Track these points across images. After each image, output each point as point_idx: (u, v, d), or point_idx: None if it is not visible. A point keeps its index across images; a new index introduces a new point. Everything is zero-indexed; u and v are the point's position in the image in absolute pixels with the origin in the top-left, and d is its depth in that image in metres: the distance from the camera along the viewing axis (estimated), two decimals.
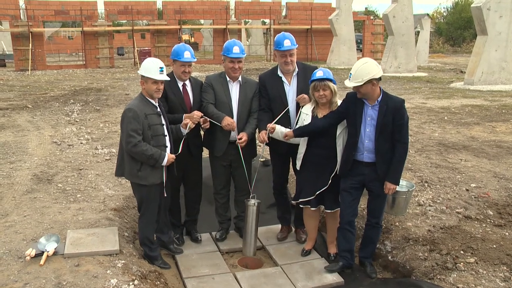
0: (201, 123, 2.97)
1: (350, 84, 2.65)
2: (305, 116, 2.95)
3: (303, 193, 3.06)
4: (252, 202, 3.07)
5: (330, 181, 2.93)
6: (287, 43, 3.00)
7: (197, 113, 2.91)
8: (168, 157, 2.70)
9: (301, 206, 3.17)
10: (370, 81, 2.60)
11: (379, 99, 2.68)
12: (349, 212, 2.86)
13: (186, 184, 3.30)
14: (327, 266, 3.02)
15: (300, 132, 2.92)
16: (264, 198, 3.91)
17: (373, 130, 2.68)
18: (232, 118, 3.08)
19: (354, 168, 2.79)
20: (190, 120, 2.88)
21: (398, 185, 2.77)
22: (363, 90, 2.64)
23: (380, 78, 2.64)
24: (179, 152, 2.77)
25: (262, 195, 3.60)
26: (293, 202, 3.34)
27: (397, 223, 3.31)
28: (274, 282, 2.90)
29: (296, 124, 3.02)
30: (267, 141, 3.02)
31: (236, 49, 3.01)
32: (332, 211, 3.05)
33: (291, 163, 3.37)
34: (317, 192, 2.99)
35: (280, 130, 2.99)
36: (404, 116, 2.64)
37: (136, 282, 2.41)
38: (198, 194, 3.37)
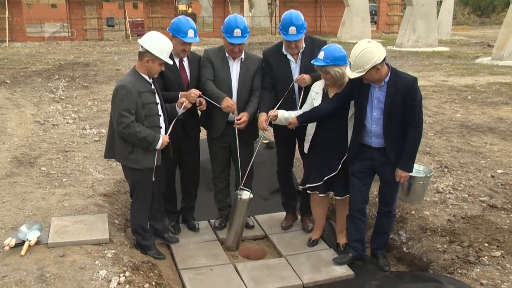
0: (197, 104, 2.93)
1: (352, 75, 2.60)
2: (315, 95, 2.92)
3: (310, 178, 3.06)
4: (243, 196, 3.02)
5: (340, 166, 2.92)
6: (292, 31, 2.88)
7: (194, 92, 2.87)
8: (163, 139, 2.68)
9: (308, 192, 3.16)
10: (373, 67, 2.54)
11: (387, 79, 2.61)
12: (359, 199, 2.85)
13: (182, 168, 3.27)
14: (336, 257, 3.03)
15: (304, 118, 2.90)
16: (268, 183, 3.96)
17: (381, 113, 2.64)
18: (231, 96, 3.04)
19: (362, 152, 2.77)
20: (186, 99, 2.84)
21: (411, 172, 2.75)
22: (368, 77, 2.60)
23: (384, 59, 2.56)
24: (168, 133, 2.75)
25: (265, 179, 3.66)
26: (299, 187, 3.35)
27: (413, 212, 3.28)
28: (277, 274, 2.91)
29: (302, 105, 2.99)
30: (267, 129, 3.01)
31: (237, 32, 2.90)
32: (342, 197, 3.05)
33: (297, 145, 3.35)
34: (326, 178, 2.98)
35: (284, 116, 2.96)
36: (416, 96, 2.57)
37: (127, 273, 2.40)
38: (195, 179, 3.35)
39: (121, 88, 2.55)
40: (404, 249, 3.10)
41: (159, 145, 2.66)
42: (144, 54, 2.60)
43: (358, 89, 2.69)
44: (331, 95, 2.87)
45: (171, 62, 2.66)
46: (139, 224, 2.93)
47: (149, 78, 2.68)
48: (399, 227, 3.19)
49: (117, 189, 3.65)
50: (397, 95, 2.57)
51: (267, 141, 3.70)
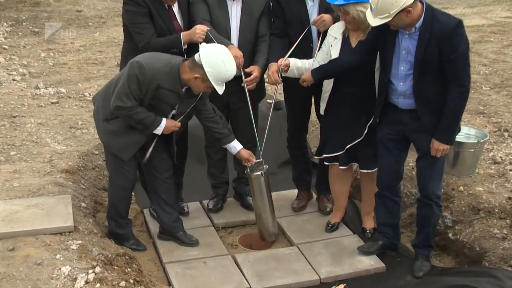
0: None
1: (374, 21, 2.51)
2: (333, 41, 2.91)
3: (329, 147, 3.08)
4: (257, 172, 3.07)
5: (366, 131, 2.93)
6: None
7: (200, 28, 2.90)
8: (168, 123, 2.78)
9: (326, 164, 3.18)
10: (402, 10, 2.44)
11: (419, 23, 2.51)
12: (389, 173, 2.85)
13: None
14: (362, 246, 3.05)
15: (321, 74, 2.91)
16: (275, 154, 3.96)
17: (410, 68, 2.60)
18: None
19: (389, 113, 2.76)
20: (193, 38, 2.89)
21: (451, 144, 2.70)
22: (395, 23, 2.51)
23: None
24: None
25: (272, 149, 3.62)
26: (315, 158, 3.39)
27: (461, 188, 3.29)
28: (288, 267, 2.91)
29: (318, 52, 3.00)
30: (280, 82, 3.05)
31: None
32: (370, 171, 3.06)
33: (312, 105, 3.34)
34: (348, 146, 2.98)
35: (296, 66, 2.99)
36: (459, 47, 2.48)
37: (97, 269, 2.40)
38: (183, 148, 3.36)
39: (141, 68, 2.63)
40: (450, 235, 3.11)
41: (160, 129, 2.76)
42: (198, 69, 2.68)
43: (383, 35, 2.64)
44: (353, 42, 2.85)
45: (220, 92, 2.74)
46: (116, 208, 2.96)
47: (185, 86, 2.76)
48: (444, 207, 3.15)
49: (84, 163, 3.64)
50: (432, 45, 2.49)
51: (275, 100, 3.64)
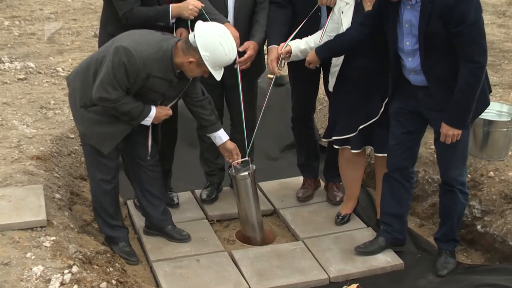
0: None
1: None
2: (345, 7, 2.90)
3: (339, 128, 3.07)
4: (243, 173, 3.08)
5: (382, 109, 2.93)
6: None
7: (194, 3, 2.88)
8: (158, 112, 2.77)
9: (336, 147, 3.17)
10: None
11: None
12: (400, 152, 2.83)
13: None
14: (358, 246, 3.00)
15: (327, 53, 2.91)
16: (277, 136, 3.97)
17: (416, 42, 2.60)
18: (227, 15, 3.06)
19: (402, 87, 2.77)
20: (183, 13, 2.89)
21: (463, 129, 2.62)
22: None
23: None
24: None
25: (273, 131, 3.71)
26: (323, 141, 3.40)
27: (491, 173, 3.26)
28: (292, 265, 2.91)
29: (328, 22, 2.99)
30: (280, 73, 3.08)
31: None
32: (386, 155, 3.00)
33: (321, 80, 3.33)
34: (361, 126, 2.98)
35: (299, 49, 2.99)
36: (467, 15, 2.43)
37: (74, 269, 2.37)
38: (172, 131, 3.38)
39: (130, 56, 2.56)
40: (479, 227, 3.10)
41: (149, 118, 2.75)
42: (192, 52, 2.62)
43: (384, 7, 2.64)
44: (367, 6, 2.83)
45: (218, 78, 2.71)
46: (100, 203, 2.95)
47: (177, 70, 2.72)
48: (471, 195, 3.14)
49: (57, 149, 3.61)
50: (435, 17, 2.47)
51: (277, 75, 3.66)
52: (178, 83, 2.77)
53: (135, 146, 2.94)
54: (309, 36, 3.00)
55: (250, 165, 3.11)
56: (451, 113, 2.56)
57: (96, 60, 2.71)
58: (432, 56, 2.55)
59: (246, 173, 3.04)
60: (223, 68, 2.72)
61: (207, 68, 2.63)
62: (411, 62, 2.63)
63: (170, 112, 2.84)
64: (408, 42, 2.60)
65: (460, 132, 2.58)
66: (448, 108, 2.56)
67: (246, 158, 3.10)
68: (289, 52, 2.98)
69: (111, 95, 2.60)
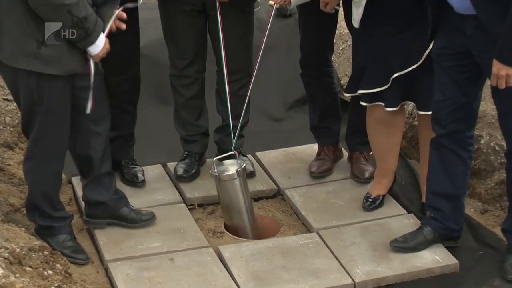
0: None
1: None
2: None
3: (367, 78, 3.00)
4: (229, 172, 3.05)
5: (428, 52, 2.83)
6: None
7: None
8: (103, 45, 2.86)
9: (363, 104, 3.07)
10: None
11: None
12: (449, 112, 2.76)
13: (108, 62, 3.20)
14: (394, 240, 2.96)
15: None
16: (281, 88, 4.05)
17: None
18: None
19: (445, 19, 2.70)
20: None
21: None
22: None
23: None
24: (106, 32, 2.91)
25: (276, 81, 3.69)
26: (345, 95, 3.39)
27: None
28: (304, 265, 2.81)
29: None
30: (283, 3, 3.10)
31: None
32: None
33: (341, 10, 3.22)
34: (397, 75, 2.91)
35: None
36: None
37: None
38: (133, 80, 3.35)
39: None
40: None
41: (98, 45, 2.83)
42: None
43: None
44: None
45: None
46: (44, 191, 2.93)
47: None
48: None
49: None
50: None
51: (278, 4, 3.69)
52: None
53: (75, 103, 2.91)
54: None
55: (238, 161, 3.06)
56: (503, 45, 2.48)
57: None
58: None
59: (233, 171, 3.00)
60: None
61: None
62: None
63: (108, 46, 2.86)
64: None
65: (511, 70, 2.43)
66: (501, 39, 2.49)
67: (233, 152, 3.09)
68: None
69: None
